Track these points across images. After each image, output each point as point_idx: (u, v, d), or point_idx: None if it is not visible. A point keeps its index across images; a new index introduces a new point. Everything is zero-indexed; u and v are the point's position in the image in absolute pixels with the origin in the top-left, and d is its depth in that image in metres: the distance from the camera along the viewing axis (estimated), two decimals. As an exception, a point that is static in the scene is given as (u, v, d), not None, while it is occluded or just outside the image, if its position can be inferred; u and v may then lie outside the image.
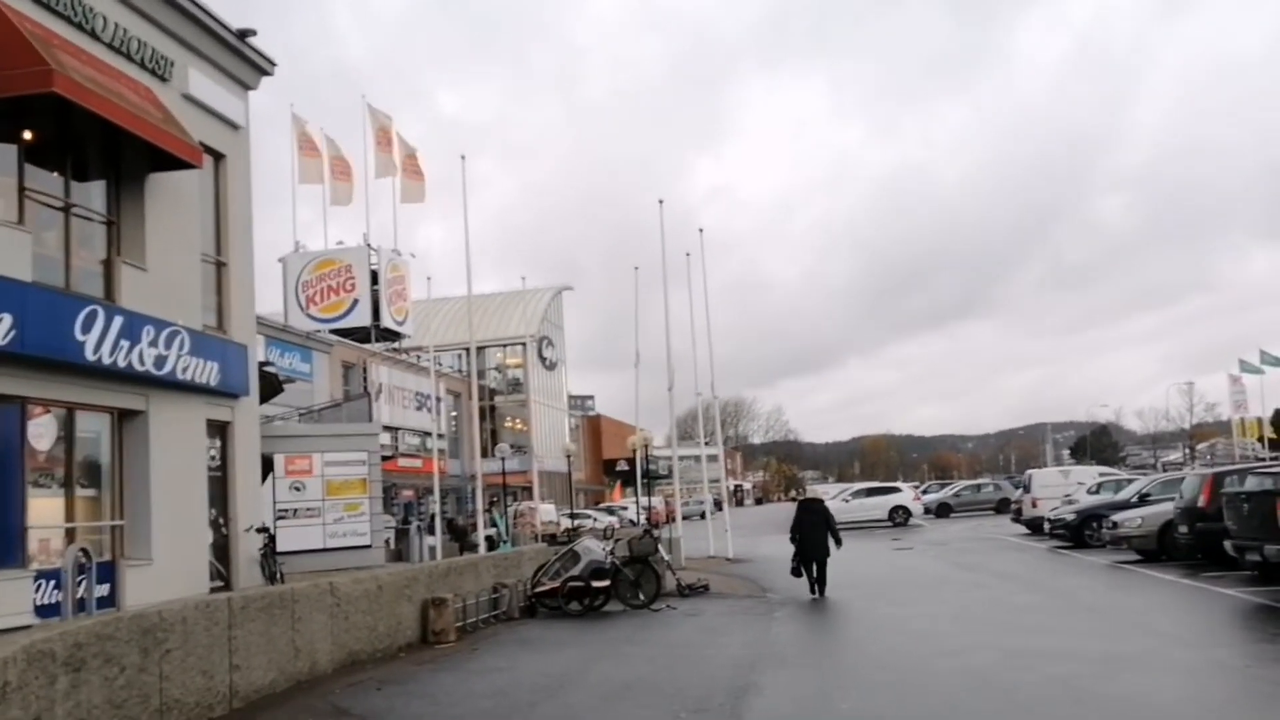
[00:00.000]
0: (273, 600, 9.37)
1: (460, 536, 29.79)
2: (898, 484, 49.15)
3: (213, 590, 13.89)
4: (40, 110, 11.80)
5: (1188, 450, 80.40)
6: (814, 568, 15.66)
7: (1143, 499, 21.00)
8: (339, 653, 10.30)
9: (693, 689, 8.64)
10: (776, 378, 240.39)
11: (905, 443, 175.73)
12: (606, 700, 8.46)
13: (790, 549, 16.21)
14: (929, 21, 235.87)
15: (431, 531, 26.57)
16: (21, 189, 11.89)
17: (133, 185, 13.72)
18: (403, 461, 38.91)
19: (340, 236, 41.56)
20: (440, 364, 44.95)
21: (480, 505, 27.88)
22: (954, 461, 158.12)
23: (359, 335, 39.78)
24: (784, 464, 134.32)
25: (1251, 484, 14.28)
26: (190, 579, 13.74)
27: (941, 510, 44.28)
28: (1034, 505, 28.07)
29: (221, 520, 15.55)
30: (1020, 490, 32.36)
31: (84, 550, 10.32)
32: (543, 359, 63.94)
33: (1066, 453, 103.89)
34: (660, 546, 16.11)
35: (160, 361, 13.33)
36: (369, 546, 20.79)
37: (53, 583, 11.22)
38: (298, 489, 20.49)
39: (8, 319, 10.69)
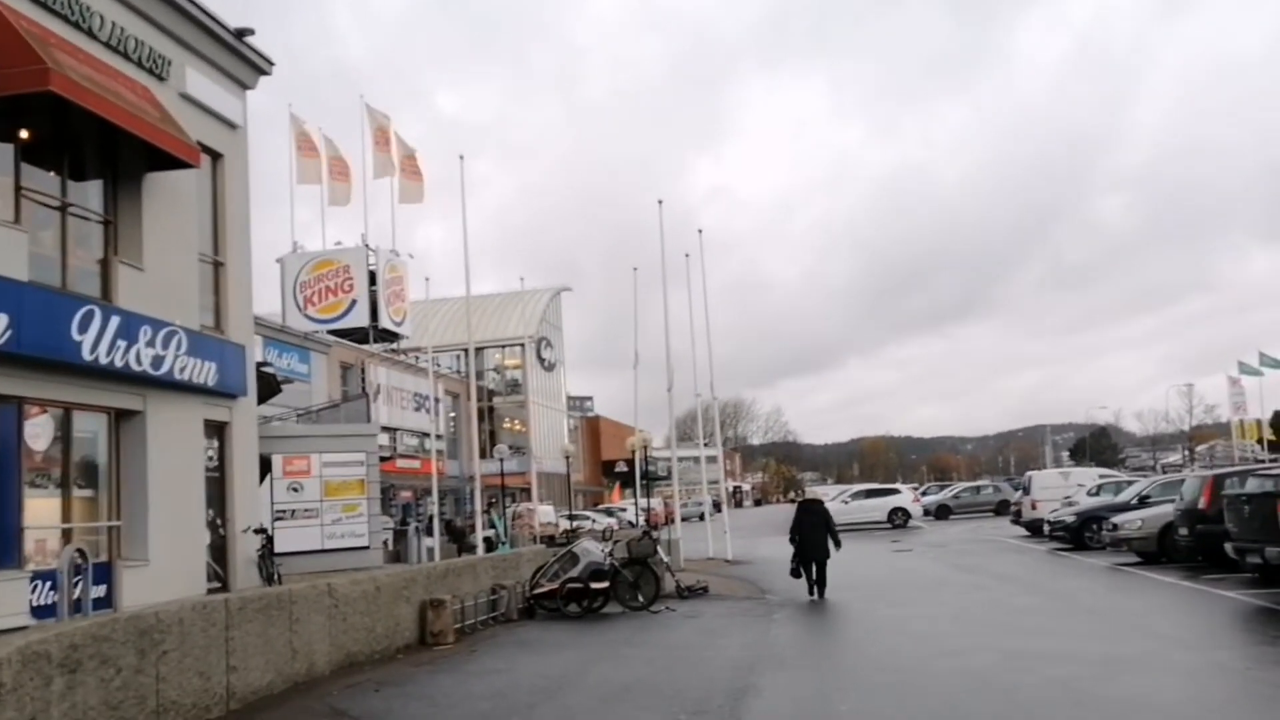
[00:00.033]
0: (270, 601, 9.33)
1: (458, 538, 29.73)
2: (897, 485, 49.17)
3: (210, 591, 13.85)
4: (37, 109, 11.78)
5: (1187, 452, 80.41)
6: (814, 569, 15.64)
7: (1142, 501, 20.98)
8: (337, 654, 10.26)
9: (692, 691, 8.61)
10: (776, 378, 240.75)
11: (904, 444, 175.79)
12: (605, 702, 8.43)
13: (789, 550, 16.19)
14: (929, 21, 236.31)
15: (430, 533, 26.52)
16: (18, 188, 11.85)
17: (130, 184, 13.68)
18: (401, 462, 38.89)
19: (338, 237, 41.63)
20: (438, 365, 44.95)
21: (479, 506, 27.86)
22: (953, 463, 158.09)
23: (357, 336, 39.75)
24: (783, 465, 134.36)
25: (1252, 486, 14.24)
26: (187, 580, 13.70)
27: (941, 512, 44.26)
28: (1034, 507, 28.04)
29: (219, 521, 15.51)
30: (1020, 492, 32.32)
31: (80, 551, 10.28)
32: (541, 360, 63.95)
33: (1066, 454, 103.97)
34: (659, 548, 16.07)
35: (158, 361, 13.29)
36: (367, 548, 20.74)
37: (49, 584, 11.16)
38: (295, 490, 20.44)
39: (4, 319, 10.65)
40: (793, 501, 67.24)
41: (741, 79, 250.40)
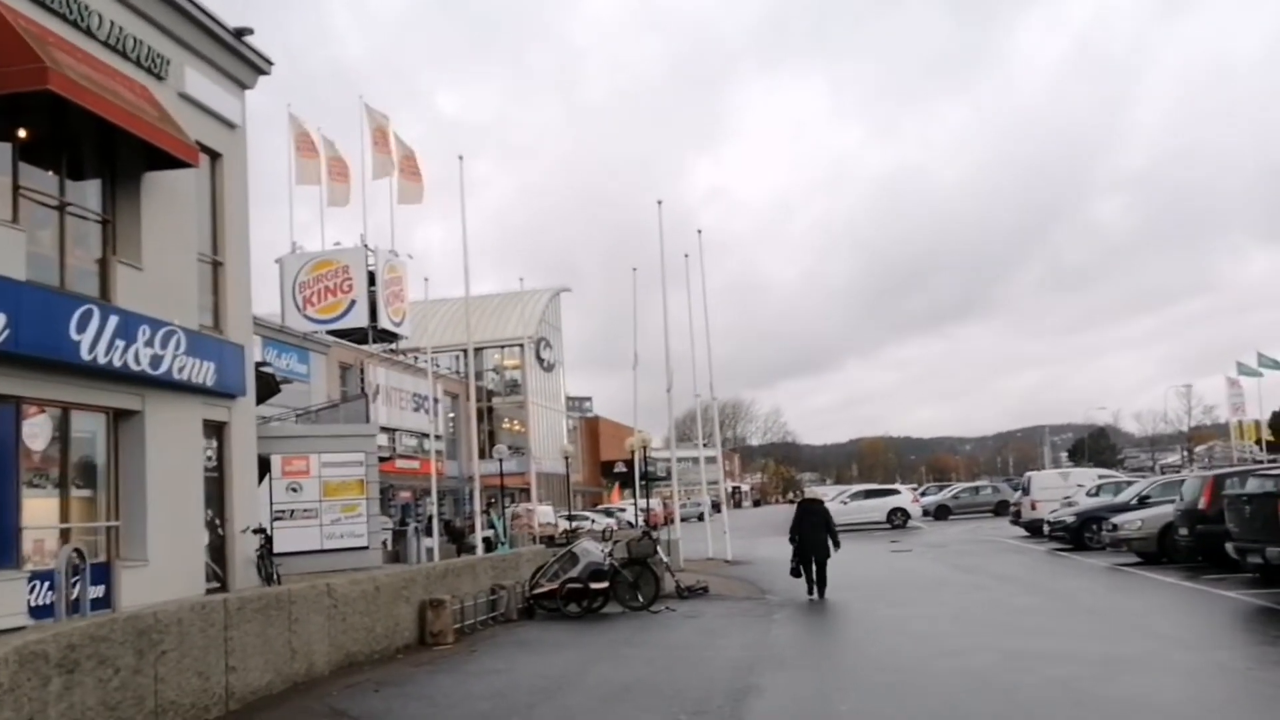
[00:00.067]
0: (269, 601, 9.31)
1: (458, 538, 29.73)
2: (896, 486, 49.15)
3: (209, 591, 13.82)
4: (35, 108, 11.75)
5: (1186, 453, 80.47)
6: (814, 568, 15.63)
7: (1142, 501, 20.97)
8: (336, 654, 10.23)
9: (692, 691, 8.59)
10: (775, 379, 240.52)
11: (903, 445, 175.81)
12: (605, 702, 8.41)
13: (789, 550, 16.19)
14: (929, 22, 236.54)
15: (429, 533, 26.50)
16: (16, 187, 11.82)
17: (128, 184, 13.66)
18: (400, 463, 38.85)
19: (337, 237, 41.57)
20: (438, 365, 44.93)
21: (478, 507, 27.84)
22: (952, 464, 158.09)
23: (356, 336, 39.73)
24: (782, 466, 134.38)
25: (1253, 486, 14.23)
26: (186, 580, 13.67)
27: (940, 512, 44.27)
28: (1033, 507, 28.03)
29: (218, 521, 15.49)
30: (1019, 492, 32.32)
31: (77, 550, 10.26)
32: (540, 360, 63.92)
33: (1064, 455, 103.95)
34: (659, 548, 16.06)
35: (156, 361, 13.26)
36: (366, 548, 20.72)
37: (47, 584, 11.13)
38: (295, 490, 20.42)
39: (2, 318, 10.62)
40: (791, 502, 67.27)
41: (741, 79, 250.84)
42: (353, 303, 39.71)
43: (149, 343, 13.09)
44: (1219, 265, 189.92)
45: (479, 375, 56.59)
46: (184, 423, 14.34)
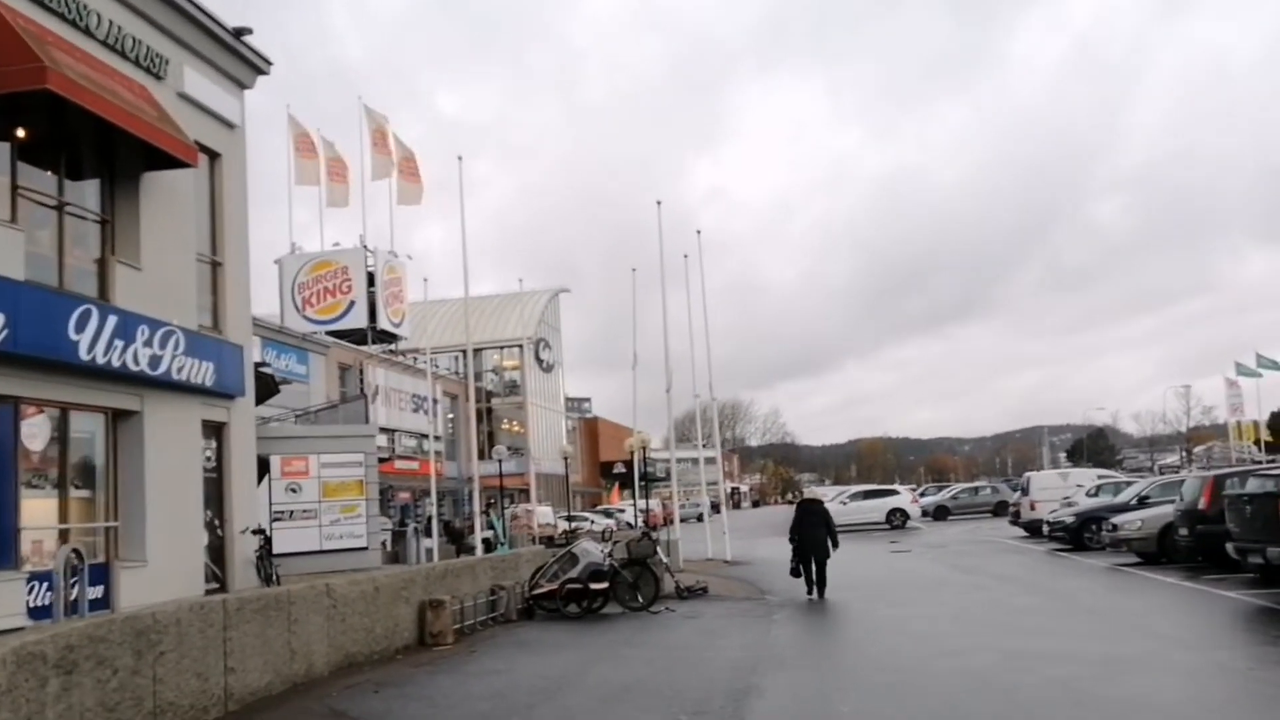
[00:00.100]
0: (268, 602, 9.29)
1: (457, 538, 29.72)
2: (895, 486, 49.15)
3: (208, 592, 13.79)
4: (34, 108, 11.74)
5: (1184, 453, 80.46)
6: (814, 569, 15.63)
7: (1142, 502, 20.96)
8: (335, 655, 10.22)
9: (692, 691, 8.58)
10: (774, 379, 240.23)
11: (902, 445, 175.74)
12: (605, 702, 8.40)
13: (788, 551, 16.18)
14: (928, 23, 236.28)
15: (428, 533, 26.49)
16: (14, 187, 11.80)
17: (127, 184, 13.64)
18: (399, 463, 38.84)
19: (337, 238, 41.47)
20: (437, 366, 44.92)
21: (477, 507, 27.83)
22: (950, 464, 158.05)
23: (356, 337, 39.73)
24: (781, 466, 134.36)
25: (1253, 486, 14.22)
26: (185, 581, 13.65)
27: (939, 513, 44.28)
28: (1032, 508, 28.01)
29: (217, 522, 15.47)
30: (1019, 493, 32.32)
31: (76, 551, 10.23)
32: (540, 361, 63.92)
33: (1063, 455, 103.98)
34: (658, 549, 16.05)
35: (155, 361, 13.25)
36: (365, 548, 20.71)
37: (46, 584, 11.11)
38: (294, 490, 20.41)
39: (0, 318, 10.60)
40: (790, 503, 67.24)
41: (740, 80, 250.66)
42: (352, 303, 39.72)
43: (148, 343, 13.07)
44: (1218, 266, 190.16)
45: (478, 376, 56.57)
46: (183, 423, 14.32)
